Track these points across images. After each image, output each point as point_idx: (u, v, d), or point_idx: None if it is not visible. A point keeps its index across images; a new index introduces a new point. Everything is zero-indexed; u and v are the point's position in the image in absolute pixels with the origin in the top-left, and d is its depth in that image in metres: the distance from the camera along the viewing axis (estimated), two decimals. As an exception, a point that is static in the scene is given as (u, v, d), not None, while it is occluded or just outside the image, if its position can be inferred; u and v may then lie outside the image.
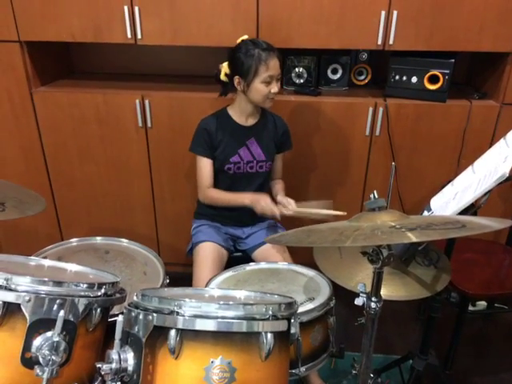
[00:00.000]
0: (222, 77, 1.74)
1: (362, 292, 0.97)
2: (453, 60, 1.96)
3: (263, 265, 1.61)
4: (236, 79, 1.66)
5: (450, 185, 1.45)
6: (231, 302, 0.87)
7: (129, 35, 2.01)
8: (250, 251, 1.85)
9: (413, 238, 0.69)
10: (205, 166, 1.77)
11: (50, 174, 2.36)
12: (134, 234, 2.43)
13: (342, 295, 1.35)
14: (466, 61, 2.34)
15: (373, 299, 0.96)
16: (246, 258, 1.86)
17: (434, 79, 2.01)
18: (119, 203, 2.39)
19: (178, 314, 0.85)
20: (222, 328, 0.85)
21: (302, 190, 2.28)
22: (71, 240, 1.67)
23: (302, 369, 1.27)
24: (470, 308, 2.19)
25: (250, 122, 1.79)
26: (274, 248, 1.77)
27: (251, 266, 1.60)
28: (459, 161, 2.11)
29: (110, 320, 1.10)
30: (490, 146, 2.03)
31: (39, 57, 2.21)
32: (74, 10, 2.00)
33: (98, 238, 1.70)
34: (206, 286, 1.47)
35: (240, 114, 1.77)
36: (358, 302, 0.97)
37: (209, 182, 1.78)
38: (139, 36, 2.01)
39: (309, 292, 1.40)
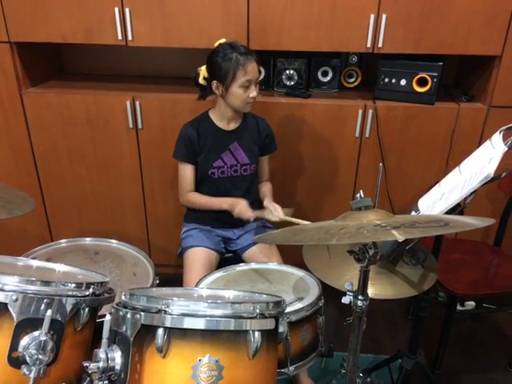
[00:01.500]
0: (201, 80, 1.73)
1: (349, 290, 0.98)
2: (441, 63, 1.99)
3: (253, 265, 1.61)
4: (214, 83, 1.66)
5: (437, 186, 1.47)
6: (219, 301, 0.87)
7: (119, 37, 2.01)
8: (241, 252, 1.85)
9: (397, 235, 0.70)
10: (185, 172, 1.78)
11: (40, 175, 2.35)
12: (125, 236, 2.41)
13: (331, 295, 1.35)
14: (454, 64, 2.37)
15: (359, 297, 0.97)
16: (237, 259, 1.86)
17: (422, 82, 2.04)
18: (109, 204, 2.38)
19: (165, 312, 0.85)
20: (210, 326, 0.85)
21: (291, 192, 2.29)
22: (60, 241, 1.67)
23: (291, 368, 1.28)
24: (459, 308, 2.21)
25: (232, 126, 1.78)
26: (264, 249, 1.77)
27: (241, 267, 1.61)
28: (447, 162, 2.14)
29: (98, 320, 1.10)
30: (478, 148, 2.08)
31: (29, 58, 2.21)
32: (64, 11, 2.00)
33: (88, 239, 1.70)
34: (196, 285, 1.47)
35: (221, 117, 1.77)
36: (345, 300, 0.98)
37: (189, 188, 1.79)
38: (130, 37, 2.02)
39: (298, 292, 1.41)
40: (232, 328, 0.86)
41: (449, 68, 2.35)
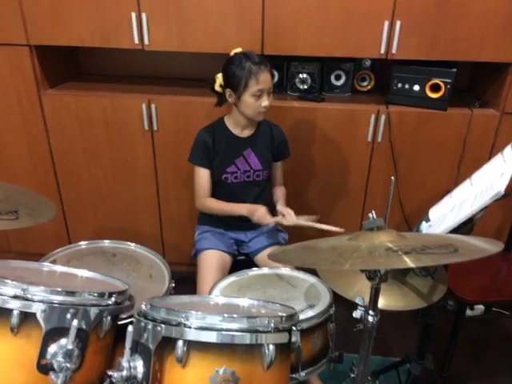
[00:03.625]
0: (217, 87, 1.76)
1: (360, 305, 1.02)
2: (455, 70, 1.99)
3: (265, 270, 1.65)
4: (228, 92, 1.69)
5: (448, 196, 1.49)
6: (235, 315, 0.92)
7: (136, 41, 2.05)
8: (253, 255, 1.89)
9: (408, 262, 0.74)
10: (202, 177, 1.80)
11: (58, 175, 2.41)
12: (140, 235, 2.48)
13: (341, 298, 1.39)
14: (467, 68, 2.37)
15: (370, 313, 1.01)
16: (249, 262, 1.90)
17: (435, 88, 2.05)
18: (125, 204, 2.44)
19: (185, 325, 0.90)
20: (226, 340, 0.89)
21: (303, 195, 2.32)
22: (80, 243, 1.72)
23: (302, 373, 1.32)
24: (468, 313, 2.23)
25: (246, 133, 1.81)
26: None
27: (254, 272, 1.65)
28: (459, 168, 2.15)
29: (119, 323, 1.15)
30: (490, 155, 2.10)
31: (48, 59, 2.25)
32: (82, 16, 2.04)
33: (106, 242, 1.75)
34: (211, 290, 1.51)
35: (235, 124, 1.80)
36: (356, 314, 1.01)
37: (206, 193, 1.82)
38: (146, 42, 2.05)
39: (309, 299, 1.44)
40: (247, 342, 0.90)
41: (462, 72, 2.34)
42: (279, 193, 1.93)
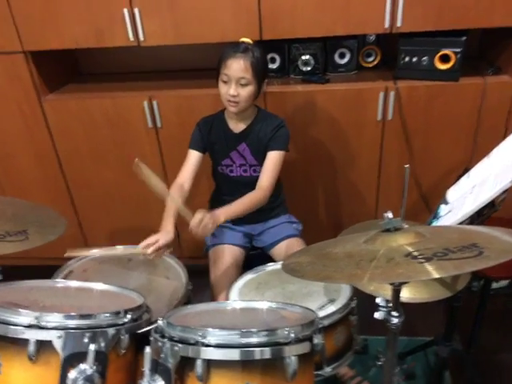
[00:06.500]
0: None
1: (381, 306, 0.98)
2: (464, 38, 1.89)
3: (282, 265, 1.62)
4: None
5: (466, 176, 1.43)
6: (254, 329, 0.89)
7: (131, 38, 1.99)
8: (267, 249, 1.86)
9: (430, 271, 0.69)
10: (187, 158, 1.77)
11: (67, 178, 2.40)
12: (154, 232, 2.46)
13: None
14: (477, 34, 2.26)
15: (393, 314, 0.97)
16: (264, 256, 1.87)
17: (445, 58, 1.95)
18: (135, 203, 2.42)
19: (202, 344, 0.88)
20: (246, 357, 0.87)
21: (314, 180, 2.27)
22: (94, 251, 1.71)
23: (328, 369, 1.31)
24: (493, 285, 2.19)
25: (241, 126, 1.74)
26: (291, 245, 1.78)
27: (271, 267, 1.62)
28: (475, 140, 2.07)
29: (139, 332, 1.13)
30: (506, 123, 2.01)
31: (45, 64, 2.21)
32: (74, 17, 1.98)
33: (120, 248, 1.74)
34: (229, 291, 1.50)
35: (229, 117, 1.75)
36: (378, 316, 0.98)
37: (184, 173, 1.75)
38: (142, 38, 1.99)
39: (329, 293, 1.42)
40: (268, 357, 0.88)
41: (472, 38, 2.23)
42: (245, 197, 1.63)
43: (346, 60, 2.18)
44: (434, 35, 1.93)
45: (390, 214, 0.88)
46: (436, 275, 0.68)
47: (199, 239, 1.52)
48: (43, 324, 0.94)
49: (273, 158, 1.69)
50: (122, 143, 2.26)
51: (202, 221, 1.42)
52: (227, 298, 1.47)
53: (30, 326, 0.93)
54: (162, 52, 2.41)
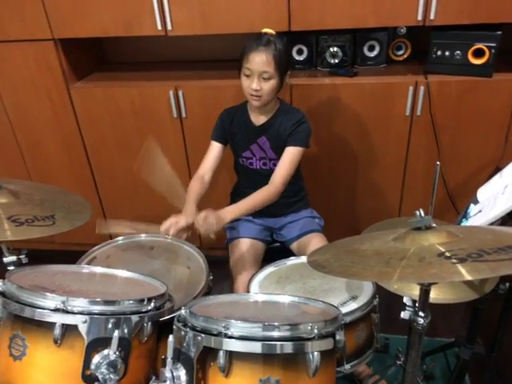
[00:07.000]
0: None
1: (408, 306, 0.96)
2: (499, 32, 1.83)
3: (304, 259, 1.61)
4: None
5: (498, 175, 1.39)
6: (276, 323, 0.88)
7: (159, 27, 1.99)
8: (288, 243, 1.85)
9: (464, 273, 0.67)
10: (209, 149, 1.78)
11: (92, 166, 2.43)
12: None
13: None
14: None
15: (420, 314, 0.95)
16: (284, 249, 1.86)
17: (479, 53, 1.89)
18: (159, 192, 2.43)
19: (225, 335, 0.88)
20: (269, 350, 0.87)
21: (339, 174, 2.24)
22: (118, 238, 1.73)
23: (347, 366, 1.30)
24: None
25: (262, 119, 1.72)
26: (313, 240, 1.76)
27: (292, 261, 1.61)
28: (507, 138, 2.00)
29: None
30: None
31: (73, 52, 2.24)
32: (103, 5, 2.00)
33: (143, 235, 1.76)
34: (249, 283, 1.49)
35: (252, 110, 1.73)
36: (405, 315, 0.96)
37: (205, 165, 1.77)
38: (169, 27, 1.99)
39: (351, 289, 1.40)
40: (290, 351, 0.87)
41: (507, 33, 2.15)
42: (255, 194, 1.62)
43: (375, 53, 2.14)
44: (468, 29, 1.87)
45: (421, 212, 0.86)
46: (470, 277, 0.66)
47: (204, 236, 1.54)
48: (69, 308, 0.95)
49: (290, 154, 1.65)
50: (147, 133, 2.27)
51: (206, 218, 1.44)
52: (247, 291, 1.47)
53: (56, 310, 0.94)
54: (188, 42, 2.41)
